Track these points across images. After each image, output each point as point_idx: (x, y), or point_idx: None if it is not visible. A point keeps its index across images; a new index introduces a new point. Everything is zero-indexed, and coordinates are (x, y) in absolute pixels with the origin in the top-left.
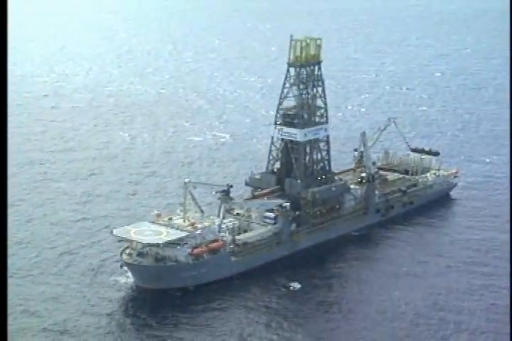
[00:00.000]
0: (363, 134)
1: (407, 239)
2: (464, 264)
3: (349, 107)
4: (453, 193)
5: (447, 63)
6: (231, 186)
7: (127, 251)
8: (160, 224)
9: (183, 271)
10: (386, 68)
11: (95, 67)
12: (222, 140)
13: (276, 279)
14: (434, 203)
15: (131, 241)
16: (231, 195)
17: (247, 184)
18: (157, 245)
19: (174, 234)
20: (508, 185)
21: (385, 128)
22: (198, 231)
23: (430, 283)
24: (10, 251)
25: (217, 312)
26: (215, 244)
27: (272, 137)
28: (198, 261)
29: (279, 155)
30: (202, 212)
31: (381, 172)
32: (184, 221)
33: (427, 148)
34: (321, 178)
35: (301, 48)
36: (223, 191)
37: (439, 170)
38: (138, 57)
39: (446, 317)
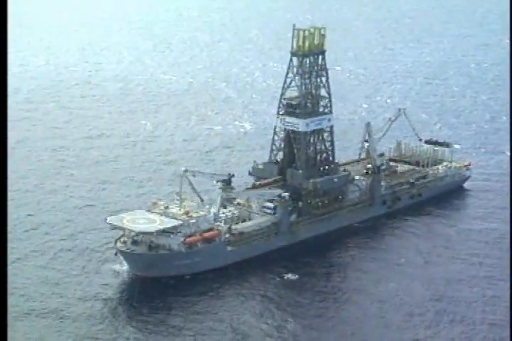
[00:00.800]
0: (368, 125)
1: (412, 230)
2: (468, 255)
3: (378, 98)
4: (467, 185)
5: (485, 54)
6: (232, 175)
7: (122, 239)
8: (155, 213)
9: (176, 259)
10: (423, 58)
11: (129, 57)
12: (242, 130)
13: (272, 269)
14: (445, 195)
15: (124, 229)
16: (233, 184)
17: (250, 174)
18: (148, 233)
19: (167, 223)
20: None
21: (395, 119)
22: (193, 220)
23: (430, 273)
24: (18, 236)
25: (209, 300)
26: (209, 233)
27: (275, 127)
28: (192, 249)
29: (282, 145)
30: (202, 200)
31: (392, 163)
32: (180, 209)
33: (440, 140)
34: (324, 169)
35: (304, 37)
36: (224, 180)
37: (451, 162)
38: (174, 47)
39: (443, 307)
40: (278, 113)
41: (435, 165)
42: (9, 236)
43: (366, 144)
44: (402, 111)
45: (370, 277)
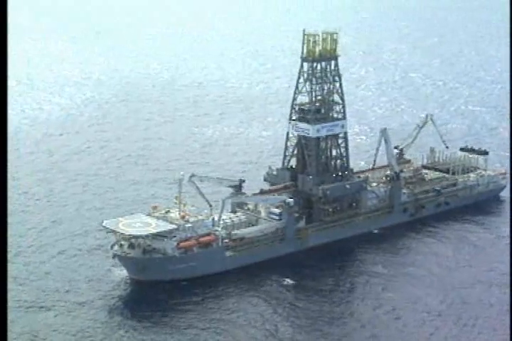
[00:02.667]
0: (384, 131)
1: (433, 238)
2: (491, 277)
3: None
4: (504, 195)
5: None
6: (243, 181)
7: (120, 242)
8: (154, 217)
9: (169, 263)
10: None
11: (217, 64)
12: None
13: (273, 275)
14: (477, 204)
15: (117, 232)
16: (247, 190)
17: (265, 179)
18: (139, 237)
19: (161, 227)
20: None
21: (423, 125)
22: (188, 225)
23: (445, 283)
24: (26, 232)
25: (206, 304)
26: (205, 238)
27: (288, 133)
28: (187, 254)
29: (295, 151)
30: (210, 206)
31: (424, 170)
32: (179, 214)
33: (476, 147)
34: (337, 175)
35: (314, 42)
36: (235, 186)
37: (485, 170)
38: (266, 54)
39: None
40: (290, 118)
41: (466, 173)
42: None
43: (395, 150)
44: (429, 117)
45: (378, 283)
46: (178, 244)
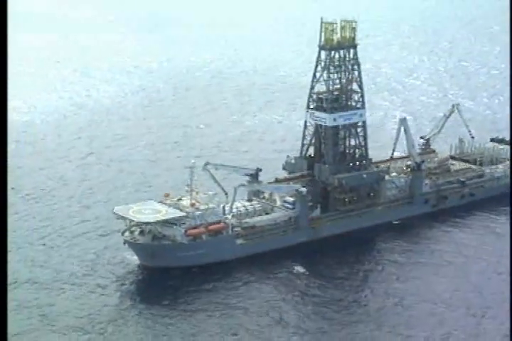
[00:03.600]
0: (403, 120)
1: (453, 229)
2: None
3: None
4: None
5: None
6: (260, 170)
7: (132, 229)
8: (166, 204)
9: (178, 250)
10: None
11: (269, 53)
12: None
13: (284, 264)
14: (505, 196)
15: (126, 218)
16: (265, 178)
17: (283, 168)
18: (147, 223)
19: (170, 214)
20: None
21: (449, 115)
22: (198, 212)
23: (459, 275)
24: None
25: (208, 292)
26: (214, 226)
27: (305, 121)
28: (196, 241)
29: (312, 140)
30: (226, 193)
31: (451, 161)
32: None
33: (507, 138)
34: (354, 165)
35: (332, 31)
36: (251, 174)
37: None
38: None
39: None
40: (308, 107)
41: (495, 164)
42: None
43: (420, 140)
44: (455, 107)
45: (392, 272)
46: (186, 231)
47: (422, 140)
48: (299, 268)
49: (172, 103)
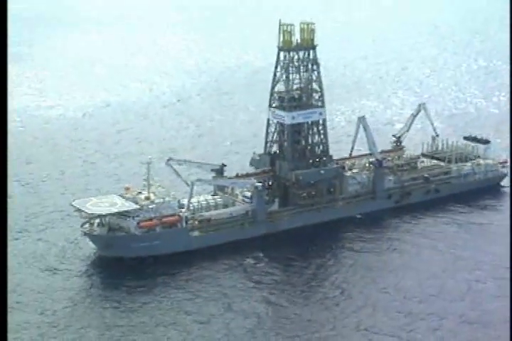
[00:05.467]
0: (362, 119)
1: (414, 224)
2: (468, 263)
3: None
4: (505, 183)
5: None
6: (225, 165)
7: (91, 221)
8: (125, 198)
9: (132, 241)
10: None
11: None
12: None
13: (239, 256)
14: (473, 193)
15: (81, 211)
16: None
17: (250, 164)
18: (100, 216)
19: (124, 207)
20: None
21: (416, 114)
22: (152, 205)
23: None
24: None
25: (157, 281)
26: (168, 218)
27: (268, 119)
28: (149, 233)
29: (275, 138)
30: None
31: (422, 159)
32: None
33: (478, 136)
34: (314, 161)
35: (289, 32)
36: (216, 170)
37: (485, 159)
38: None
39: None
40: (270, 106)
41: (464, 162)
42: None
43: (392, 138)
44: (422, 107)
45: (348, 260)
46: (138, 223)
47: (393, 137)
48: (253, 259)
49: (202, 105)
